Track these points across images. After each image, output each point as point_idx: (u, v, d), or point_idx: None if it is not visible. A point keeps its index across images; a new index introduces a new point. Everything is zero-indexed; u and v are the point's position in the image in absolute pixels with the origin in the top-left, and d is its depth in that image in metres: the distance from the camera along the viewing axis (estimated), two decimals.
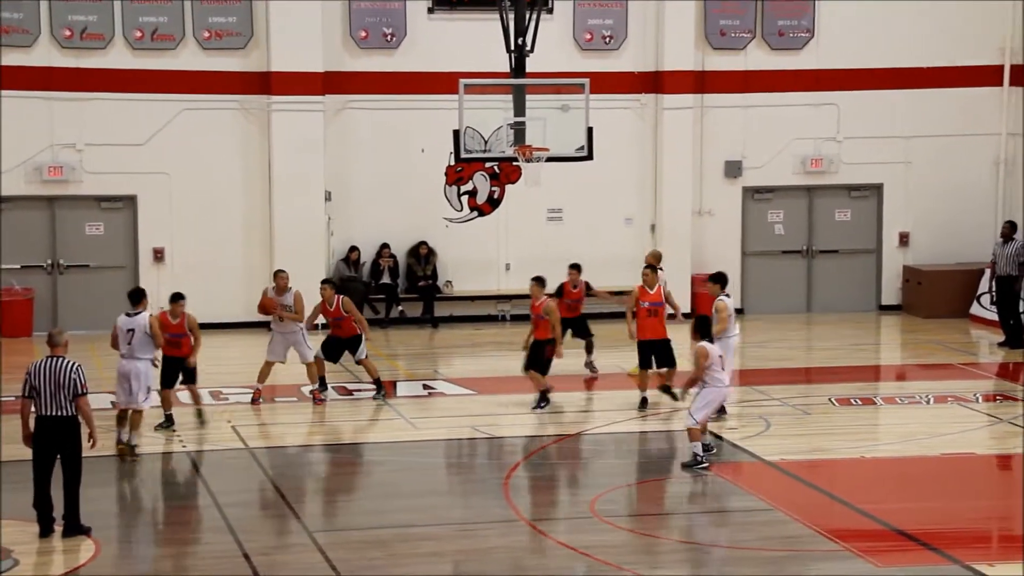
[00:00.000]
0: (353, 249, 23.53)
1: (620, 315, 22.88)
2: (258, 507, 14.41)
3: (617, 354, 20.44)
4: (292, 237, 22.82)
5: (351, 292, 20.56)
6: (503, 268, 24.20)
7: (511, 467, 15.55)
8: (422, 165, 23.71)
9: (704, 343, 15.09)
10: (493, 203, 24.20)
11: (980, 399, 18.50)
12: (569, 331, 19.67)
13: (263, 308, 18.29)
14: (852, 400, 18.28)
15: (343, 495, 15.14)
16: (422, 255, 23.79)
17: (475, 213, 24.17)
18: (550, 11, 23.45)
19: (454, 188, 24.07)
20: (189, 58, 22.89)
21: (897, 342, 23.72)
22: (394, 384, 19.36)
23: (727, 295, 16.98)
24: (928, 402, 18.25)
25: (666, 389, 17.40)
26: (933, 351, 21.88)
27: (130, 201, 23.07)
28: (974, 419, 17.58)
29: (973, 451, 16.18)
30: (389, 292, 23.68)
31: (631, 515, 13.77)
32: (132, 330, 15.47)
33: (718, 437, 15.80)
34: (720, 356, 15.08)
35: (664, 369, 17.68)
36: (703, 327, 15.24)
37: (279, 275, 18.53)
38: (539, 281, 17.92)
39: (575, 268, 19.69)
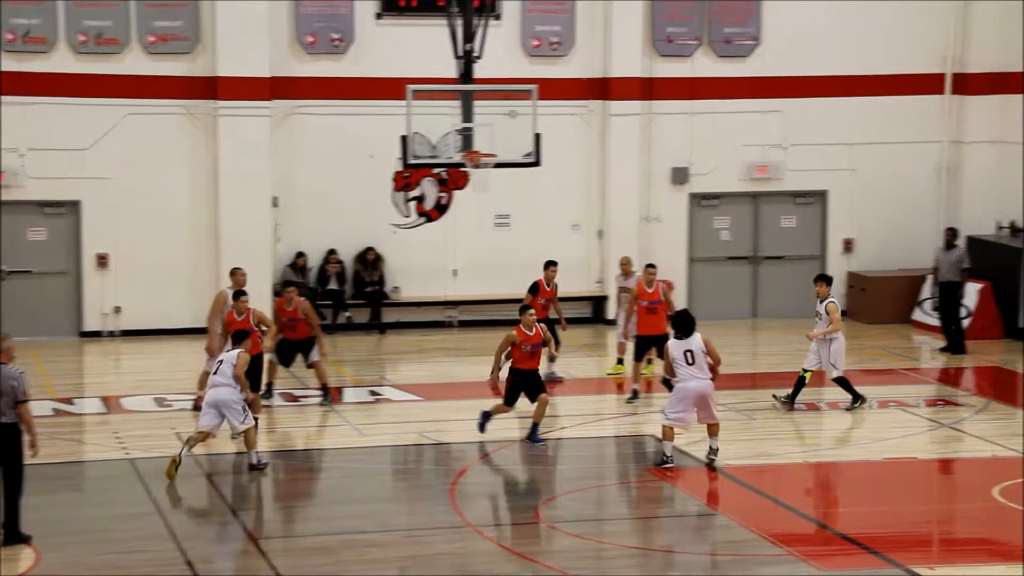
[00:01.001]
0: (300, 255, 23.43)
1: (579, 320, 23.05)
2: (202, 514, 14.32)
3: (574, 359, 20.49)
4: (239, 243, 22.66)
5: None
6: (451, 274, 24.17)
7: (458, 473, 15.55)
8: (370, 171, 23.65)
9: (670, 341, 15.35)
10: (441, 209, 24.17)
11: (922, 404, 18.68)
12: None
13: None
14: (796, 405, 18.39)
15: (289, 502, 15.07)
16: (369, 261, 23.73)
17: (423, 219, 24.13)
18: (498, 17, 23.46)
19: (402, 194, 24.02)
20: (134, 62, 22.71)
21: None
22: (340, 390, 19.30)
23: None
24: (871, 407, 18.39)
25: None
26: (876, 356, 22.06)
27: (73, 206, 22.86)
28: (916, 424, 17.75)
29: (915, 455, 16.35)
30: (336, 298, 23.61)
31: (577, 520, 13.78)
32: (222, 361, 15.52)
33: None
34: (687, 352, 15.09)
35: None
36: (678, 324, 15.36)
37: (237, 272, 17.95)
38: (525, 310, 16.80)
39: (552, 265, 19.59)
